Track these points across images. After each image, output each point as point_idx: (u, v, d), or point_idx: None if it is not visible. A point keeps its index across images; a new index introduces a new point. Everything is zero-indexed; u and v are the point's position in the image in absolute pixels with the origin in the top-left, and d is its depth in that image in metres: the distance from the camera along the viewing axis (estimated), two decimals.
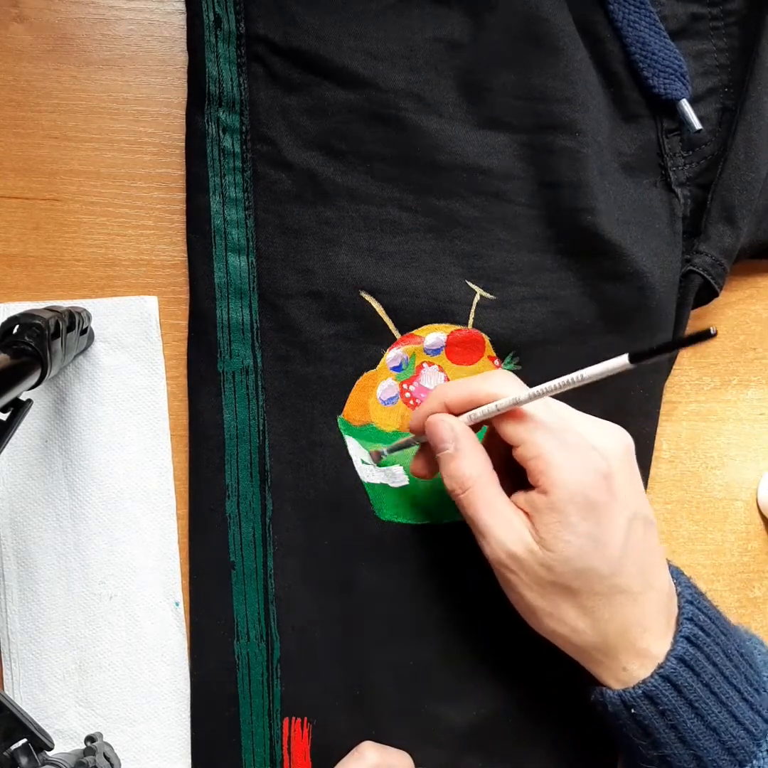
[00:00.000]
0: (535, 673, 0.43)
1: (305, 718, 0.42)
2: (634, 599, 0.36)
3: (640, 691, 0.35)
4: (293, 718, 0.42)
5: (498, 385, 0.37)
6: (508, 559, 0.36)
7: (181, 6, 0.43)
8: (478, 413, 0.36)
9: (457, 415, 0.38)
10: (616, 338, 0.44)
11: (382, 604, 0.42)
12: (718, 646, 0.36)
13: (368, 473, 0.43)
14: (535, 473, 0.35)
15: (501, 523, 0.36)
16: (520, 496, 0.36)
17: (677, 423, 0.47)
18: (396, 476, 0.43)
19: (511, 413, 0.36)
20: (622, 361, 0.31)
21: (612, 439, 0.37)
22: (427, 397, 0.39)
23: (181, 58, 0.43)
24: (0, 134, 0.42)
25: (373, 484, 0.43)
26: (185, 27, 0.42)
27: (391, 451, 0.42)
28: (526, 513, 0.36)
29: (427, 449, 0.39)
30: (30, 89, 0.42)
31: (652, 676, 0.35)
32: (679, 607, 0.37)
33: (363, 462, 0.42)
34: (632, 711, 0.36)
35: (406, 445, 0.41)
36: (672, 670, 0.35)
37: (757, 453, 0.47)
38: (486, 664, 0.43)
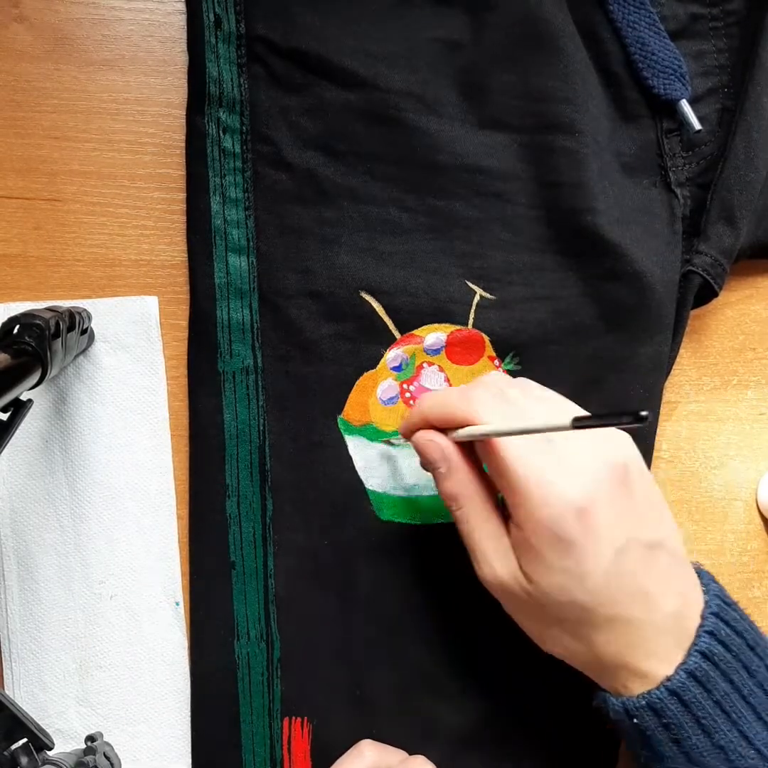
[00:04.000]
0: (535, 673, 0.43)
1: (305, 718, 0.42)
2: (632, 626, 0.34)
3: (644, 702, 0.34)
4: (293, 717, 0.42)
5: (474, 405, 0.35)
6: (497, 584, 0.35)
7: (182, 6, 0.43)
8: (462, 434, 0.35)
9: (441, 429, 0.37)
10: (616, 338, 0.44)
11: (382, 604, 0.42)
12: (740, 662, 0.34)
13: (368, 477, 0.43)
14: (510, 506, 0.34)
15: (490, 547, 0.35)
16: (511, 524, 0.35)
17: (677, 423, 0.47)
18: (397, 472, 0.43)
19: (488, 441, 0.34)
20: (565, 421, 0.29)
21: (597, 463, 0.34)
22: (412, 410, 0.38)
23: (182, 58, 0.43)
24: (0, 134, 0.42)
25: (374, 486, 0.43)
26: (185, 27, 0.42)
27: (397, 442, 0.42)
28: (511, 544, 0.35)
29: None
30: (30, 89, 0.42)
31: (658, 687, 0.34)
32: (702, 618, 0.35)
33: (375, 458, 0.43)
34: (634, 720, 0.34)
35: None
36: (680, 685, 0.34)
37: (756, 453, 0.47)
38: (486, 664, 0.43)
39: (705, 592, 0.36)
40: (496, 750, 0.43)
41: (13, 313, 0.36)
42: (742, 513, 0.47)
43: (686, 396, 0.47)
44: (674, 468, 0.47)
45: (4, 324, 0.35)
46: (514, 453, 0.33)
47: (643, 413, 0.26)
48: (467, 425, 0.35)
